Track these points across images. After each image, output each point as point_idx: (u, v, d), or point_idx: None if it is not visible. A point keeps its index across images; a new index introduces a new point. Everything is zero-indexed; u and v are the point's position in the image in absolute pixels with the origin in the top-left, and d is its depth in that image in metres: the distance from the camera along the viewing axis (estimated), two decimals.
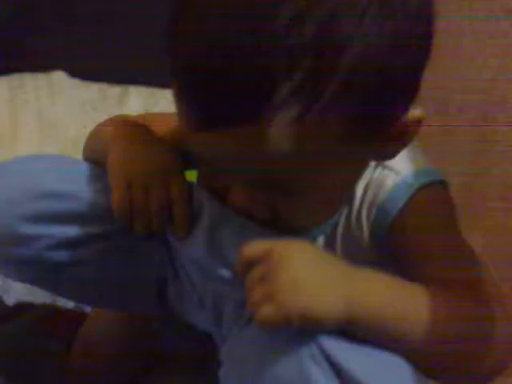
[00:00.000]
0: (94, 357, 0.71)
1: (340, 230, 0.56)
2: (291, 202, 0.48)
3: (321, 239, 0.57)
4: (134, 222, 0.53)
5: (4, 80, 1.33)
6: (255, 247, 0.45)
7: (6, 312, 0.75)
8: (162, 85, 1.36)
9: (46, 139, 1.24)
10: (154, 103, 1.34)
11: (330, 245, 0.56)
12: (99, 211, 0.55)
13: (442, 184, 0.55)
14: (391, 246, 0.54)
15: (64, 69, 1.35)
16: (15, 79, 1.33)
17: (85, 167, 0.58)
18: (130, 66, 1.33)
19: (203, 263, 0.53)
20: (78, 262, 0.55)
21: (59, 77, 1.34)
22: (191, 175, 0.58)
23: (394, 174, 0.53)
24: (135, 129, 0.57)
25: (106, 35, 1.26)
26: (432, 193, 0.55)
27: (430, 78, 0.47)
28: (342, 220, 0.55)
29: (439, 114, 0.97)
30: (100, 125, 0.63)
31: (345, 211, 0.55)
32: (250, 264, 0.45)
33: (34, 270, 0.56)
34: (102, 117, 1.35)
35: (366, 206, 0.54)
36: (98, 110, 1.31)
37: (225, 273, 0.51)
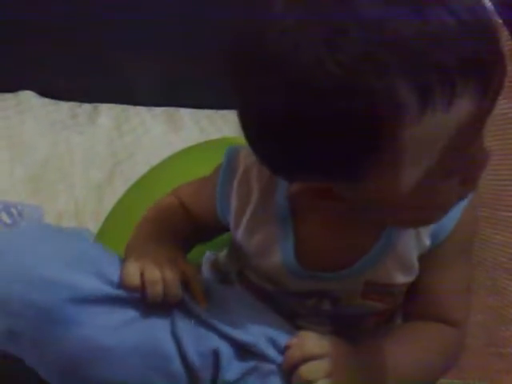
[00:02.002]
0: None
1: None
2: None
3: None
4: (146, 293, 0.54)
5: None
6: (315, 343, 0.52)
7: None
8: (134, 102, 1.36)
9: (16, 159, 1.22)
10: (126, 120, 1.33)
11: None
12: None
13: None
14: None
15: (33, 88, 1.34)
16: None
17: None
18: (101, 85, 1.32)
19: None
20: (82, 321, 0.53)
21: (27, 96, 1.33)
22: None
23: None
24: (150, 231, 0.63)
25: (76, 54, 1.25)
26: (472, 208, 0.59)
27: None
28: None
29: None
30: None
31: None
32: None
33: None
34: (72, 135, 1.33)
35: None
36: (67, 128, 1.30)
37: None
